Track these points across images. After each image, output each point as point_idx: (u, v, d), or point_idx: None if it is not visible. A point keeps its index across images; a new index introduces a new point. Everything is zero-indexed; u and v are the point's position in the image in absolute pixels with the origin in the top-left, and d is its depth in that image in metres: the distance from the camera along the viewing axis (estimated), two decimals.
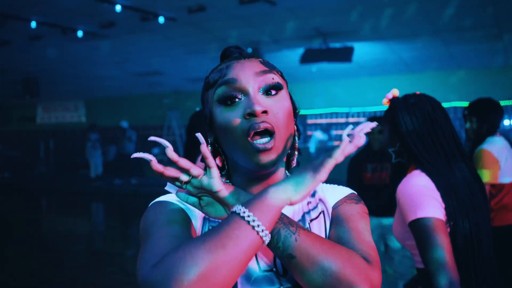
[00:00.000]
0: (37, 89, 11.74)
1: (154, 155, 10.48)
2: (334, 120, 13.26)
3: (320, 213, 0.98)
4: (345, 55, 8.57)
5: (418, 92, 1.73)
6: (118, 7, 6.48)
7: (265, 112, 0.84)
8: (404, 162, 1.71)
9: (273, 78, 0.89)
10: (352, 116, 13.12)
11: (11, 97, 15.18)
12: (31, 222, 8.65)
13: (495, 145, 2.87)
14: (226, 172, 0.98)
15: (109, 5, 6.45)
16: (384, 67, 11.15)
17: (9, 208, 10.43)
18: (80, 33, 7.87)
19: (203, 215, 0.93)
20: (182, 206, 0.92)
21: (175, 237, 0.80)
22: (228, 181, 0.97)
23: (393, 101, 1.72)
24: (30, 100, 14.13)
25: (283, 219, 0.80)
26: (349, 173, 3.91)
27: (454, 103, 11.53)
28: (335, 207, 0.97)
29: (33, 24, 7.26)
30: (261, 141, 0.84)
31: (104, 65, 10.93)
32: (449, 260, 1.44)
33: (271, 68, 0.91)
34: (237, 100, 0.87)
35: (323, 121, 13.16)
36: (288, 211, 0.96)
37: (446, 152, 1.61)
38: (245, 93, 0.87)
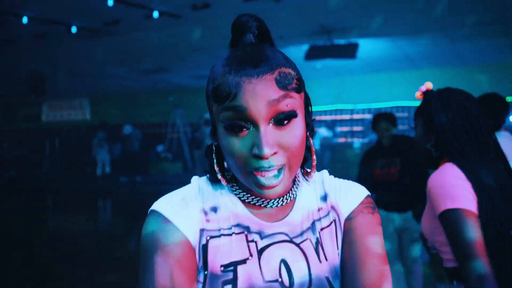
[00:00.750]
0: (43, 87, 11.77)
1: (159, 153, 10.48)
2: (338, 117, 13.24)
3: (331, 222, 0.92)
4: (349, 51, 8.55)
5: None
6: (113, 3, 6.47)
7: (275, 153, 0.78)
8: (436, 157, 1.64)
9: (287, 105, 0.78)
10: (357, 113, 13.09)
11: (16, 95, 15.24)
12: (36, 220, 8.69)
13: (502, 141, 2.85)
14: (231, 176, 0.91)
15: (114, 3, 6.46)
16: (389, 64, 11.11)
17: (14, 206, 10.48)
18: (84, 31, 7.88)
19: (200, 227, 0.86)
20: (177, 221, 0.84)
21: (168, 280, 0.79)
22: (235, 183, 0.91)
23: (427, 94, 1.66)
24: (35, 98, 14.18)
25: None
26: (360, 170, 3.95)
27: None
28: (349, 218, 0.91)
29: (30, 21, 7.27)
30: (267, 177, 0.78)
31: (109, 63, 10.95)
32: (481, 251, 1.36)
33: (286, 88, 0.78)
34: (245, 130, 0.78)
35: (328, 117, 13.13)
36: (296, 218, 0.90)
37: (481, 145, 1.55)
38: (255, 124, 0.77)
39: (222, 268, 0.84)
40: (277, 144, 0.78)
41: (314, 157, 0.91)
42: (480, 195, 1.45)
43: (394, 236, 3.71)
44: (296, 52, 9.27)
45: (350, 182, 0.98)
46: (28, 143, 17.49)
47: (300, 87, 0.83)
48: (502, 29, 8.03)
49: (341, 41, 8.63)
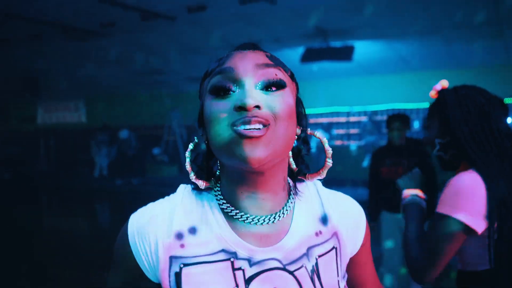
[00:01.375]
0: (37, 88, 11.73)
1: (155, 156, 10.43)
2: (335, 119, 13.23)
3: (332, 249, 0.85)
4: (345, 54, 8.57)
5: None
6: (109, 5, 6.45)
7: (258, 107, 0.72)
8: (446, 158, 1.56)
9: (276, 74, 0.76)
10: (353, 115, 13.10)
11: (11, 96, 15.18)
12: (31, 221, 8.65)
13: None
14: (216, 177, 0.87)
15: (110, 5, 6.44)
16: (384, 66, 11.13)
17: (8, 207, 10.42)
18: (79, 33, 7.86)
19: (170, 253, 0.79)
20: (134, 250, 0.82)
21: None
22: (218, 184, 0.86)
23: (442, 92, 1.56)
24: (30, 99, 14.13)
25: None
26: (370, 168, 4.02)
27: None
28: (358, 251, 0.91)
29: (33, 23, 7.24)
30: (249, 128, 0.71)
31: (104, 65, 10.92)
32: (442, 264, 1.40)
33: (277, 63, 0.79)
34: (230, 92, 0.75)
35: (324, 120, 13.13)
36: (292, 243, 0.82)
37: (501, 150, 1.44)
38: (240, 85, 0.75)
39: None
40: (263, 104, 0.73)
41: (330, 159, 0.86)
42: (493, 207, 1.37)
43: (398, 238, 3.72)
44: (292, 54, 9.27)
45: (347, 199, 0.93)
46: (22, 144, 17.41)
47: (291, 76, 0.83)
48: (497, 30, 8.06)
49: (337, 44, 8.64)
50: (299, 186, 0.89)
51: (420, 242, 1.50)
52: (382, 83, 12.16)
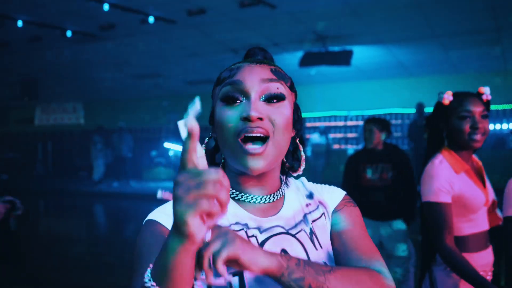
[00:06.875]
0: (36, 90, 11.72)
1: (152, 157, 10.37)
2: (332, 123, 13.25)
3: (322, 214, 1.01)
4: (344, 58, 8.59)
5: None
6: (109, 8, 6.46)
7: (260, 118, 0.86)
8: None
9: (277, 88, 0.91)
10: (351, 120, 13.12)
11: (9, 98, 15.16)
12: (28, 224, 8.63)
13: None
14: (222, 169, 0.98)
15: (109, 7, 6.45)
16: (383, 71, 11.16)
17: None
18: (79, 35, 7.87)
19: None
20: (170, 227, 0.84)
21: None
22: None
23: None
24: (28, 101, 14.11)
25: (309, 270, 0.78)
26: (346, 173, 3.84)
27: None
28: (335, 211, 1.01)
29: (31, 26, 7.25)
30: (252, 146, 0.86)
31: (103, 67, 10.93)
32: None
33: (279, 78, 0.93)
34: (238, 102, 0.90)
35: (322, 124, 13.15)
36: (289, 212, 0.98)
37: None
38: (247, 96, 0.89)
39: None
40: (265, 115, 0.88)
41: (303, 153, 1.02)
42: None
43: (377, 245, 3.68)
44: (291, 58, 9.29)
45: (326, 185, 1.08)
46: (20, 146, 17.38)
47: (291, 86, 0.97)
48: (494, 37, 8.10)
49: (336, 48, 8.67)
50: (290, 179, 1.07)
51: None
52: (380, 88, 12.19)
